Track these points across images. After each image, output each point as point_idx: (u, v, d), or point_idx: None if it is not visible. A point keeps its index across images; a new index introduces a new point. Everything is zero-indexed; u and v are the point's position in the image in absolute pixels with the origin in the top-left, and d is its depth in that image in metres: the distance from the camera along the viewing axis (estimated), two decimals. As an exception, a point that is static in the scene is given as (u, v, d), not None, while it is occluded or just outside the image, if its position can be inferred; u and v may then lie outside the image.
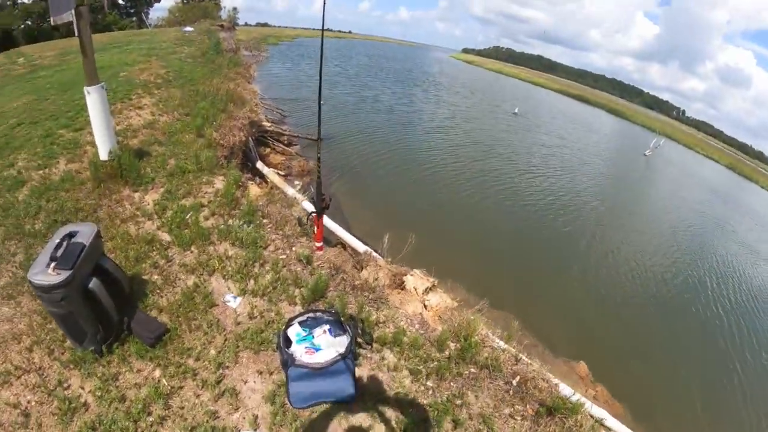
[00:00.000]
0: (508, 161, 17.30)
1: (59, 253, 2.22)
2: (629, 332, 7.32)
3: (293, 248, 4.07)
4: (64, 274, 2.15)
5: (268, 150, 11.92)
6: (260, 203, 5.42)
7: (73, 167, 4.58)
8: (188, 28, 18.93)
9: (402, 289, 5.06)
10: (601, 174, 20.32)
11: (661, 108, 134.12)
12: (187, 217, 4.01)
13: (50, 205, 3.85)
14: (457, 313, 4.79)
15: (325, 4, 2.48)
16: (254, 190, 6.37)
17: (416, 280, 5.04)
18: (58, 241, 2.29)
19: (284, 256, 3.89)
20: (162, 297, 3.06)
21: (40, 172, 4.41)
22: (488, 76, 71.47)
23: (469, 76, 59.05)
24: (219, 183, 4.83)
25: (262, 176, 8.74)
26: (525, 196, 13.56)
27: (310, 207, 5.72)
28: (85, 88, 4.02)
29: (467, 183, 13.26)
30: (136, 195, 4.26)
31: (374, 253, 5.62)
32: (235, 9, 30.52)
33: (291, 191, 6.83)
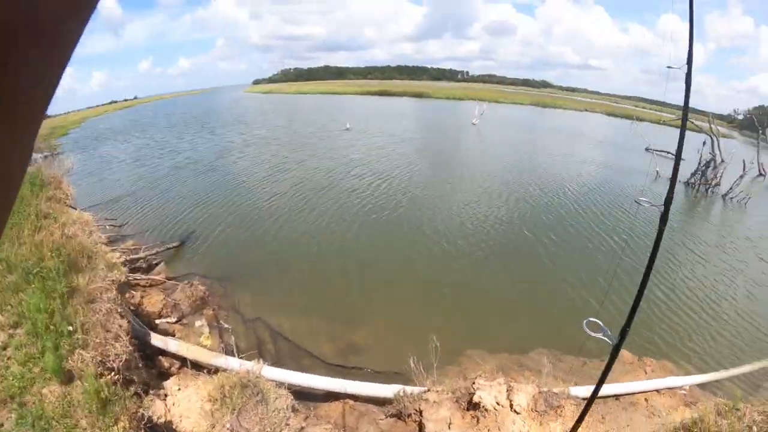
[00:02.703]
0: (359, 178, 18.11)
1: None
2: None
3: None
4: None
5: (131, 293, 8.89)
6: (225, 420, 3.52)
7: None
8: None
9: (478, 410, 3.84)
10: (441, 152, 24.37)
11: (447, 76, 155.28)
12: None
13: None
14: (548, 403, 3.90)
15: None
16: (188, 399, 4.18)
17: (490, 390, 3.90)
18: None
19: None
20: None
21: None
22: (289, 100, 72.13)
23: (273, 107, 58.56)
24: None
25: (169, 354, 6.07)
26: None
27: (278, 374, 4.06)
28: None
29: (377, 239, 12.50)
30: None
31: (414, 389, 4.21)
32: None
33: (237, 364, 4.75)
